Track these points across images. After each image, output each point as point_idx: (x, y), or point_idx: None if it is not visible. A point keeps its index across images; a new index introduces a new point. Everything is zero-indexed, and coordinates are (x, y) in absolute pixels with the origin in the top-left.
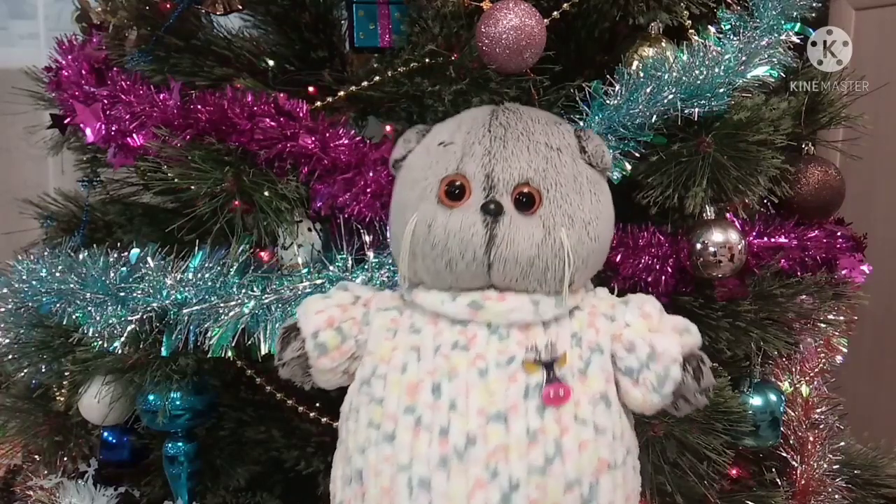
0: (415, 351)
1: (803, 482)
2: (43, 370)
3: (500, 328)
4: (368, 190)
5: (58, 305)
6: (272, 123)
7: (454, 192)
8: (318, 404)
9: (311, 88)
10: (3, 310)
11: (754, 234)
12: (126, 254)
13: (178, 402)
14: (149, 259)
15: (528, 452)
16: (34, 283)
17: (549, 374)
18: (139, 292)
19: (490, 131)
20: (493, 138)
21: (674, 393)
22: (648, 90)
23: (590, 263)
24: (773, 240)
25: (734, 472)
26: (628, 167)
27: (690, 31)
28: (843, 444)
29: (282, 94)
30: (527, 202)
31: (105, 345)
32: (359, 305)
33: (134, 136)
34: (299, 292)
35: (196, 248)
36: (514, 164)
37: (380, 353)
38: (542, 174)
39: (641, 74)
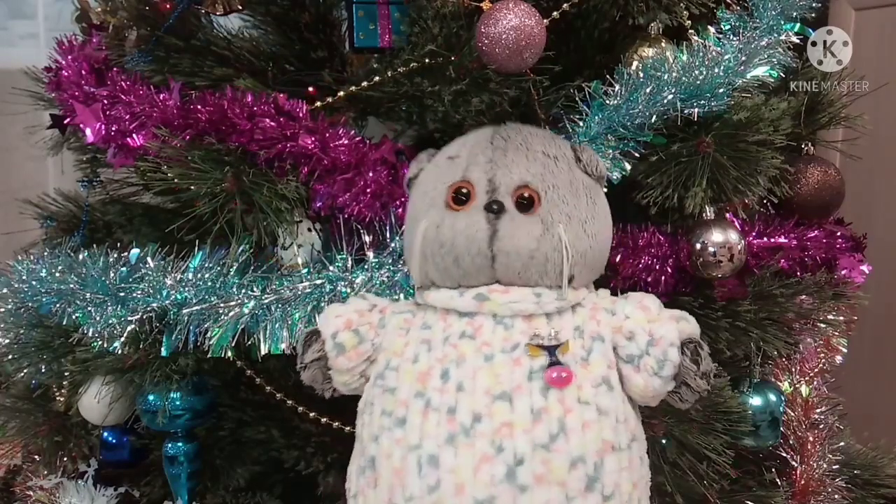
0: (425, 343)
1: (803, 482)
2: (43, 370)
3: (505, 318)
4: (368, 190)
5: (58, 305)
6: (272, 123)
7: (460, 197)
8: (318, 404)
9: (311, 88)
10: (3, 310)
11: (754, 234)
12: (126, 254)
13: (178, 402)
14: (149, 259)
15: (533, 429)
16: (34, 283)
17: (552, 358)
18: (139, 292)
19: (492, 143)
20: (495, 149)
21: (675, 378)
22: (648, 90)
23: (588, 260)
24: (772, 240)
25: (734, 472)
26: (628, 167)
27: (690, 31)
28: (842, 444)
29: (282, 95)
30: (527, 204)
31: (105, 345)
32: (375, 312)
33: (134, 136)
34: (299, 292)
35: (196, 248)
36: (514, 169)
37: (393, 348)
38: (541, 177)
39: (641, 74)
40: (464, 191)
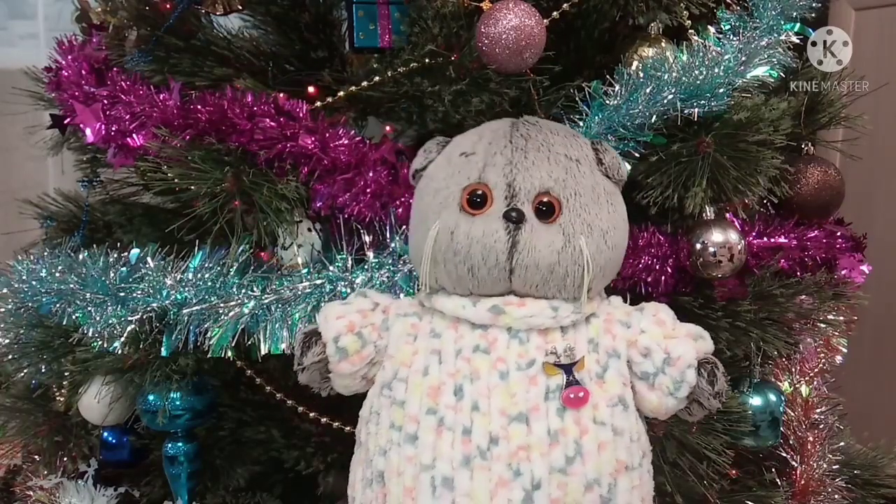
0: (436, 354)
1: (803, 482)
2: (43, 370)
3: (520, 332)
4: (368, 190)
5: (58, 305)
6: (272, 123)
7: (476, 200)
8: (318, 404)
9: (311, 88)
10: (3, 310)
11: (754, 234)
12: (126, 254)
13: (178, 402)
14: (149, 259)
15: (550, 452)
16: (34, 283)
17: (569, 377)
18: (139, 292)
19: (511, 142)
20: (515, 149)
21: (688, 397)
22: (648, 90)
23: (606, 271)
24: (772, 240)
25: (734, 472)
26: (628, 167)
27: (690, 31)
28: (842, 444)
29: (282, 94)
30: (547, 211)
31: (105, 345)
32: (378, 311)
33: (134, 136)
34: (299, 292)
35: (196, 248)
36: (534, 173)
37: (400, 357)
38: (562, 184)
39: (641, 74)
40: (480, 192)
